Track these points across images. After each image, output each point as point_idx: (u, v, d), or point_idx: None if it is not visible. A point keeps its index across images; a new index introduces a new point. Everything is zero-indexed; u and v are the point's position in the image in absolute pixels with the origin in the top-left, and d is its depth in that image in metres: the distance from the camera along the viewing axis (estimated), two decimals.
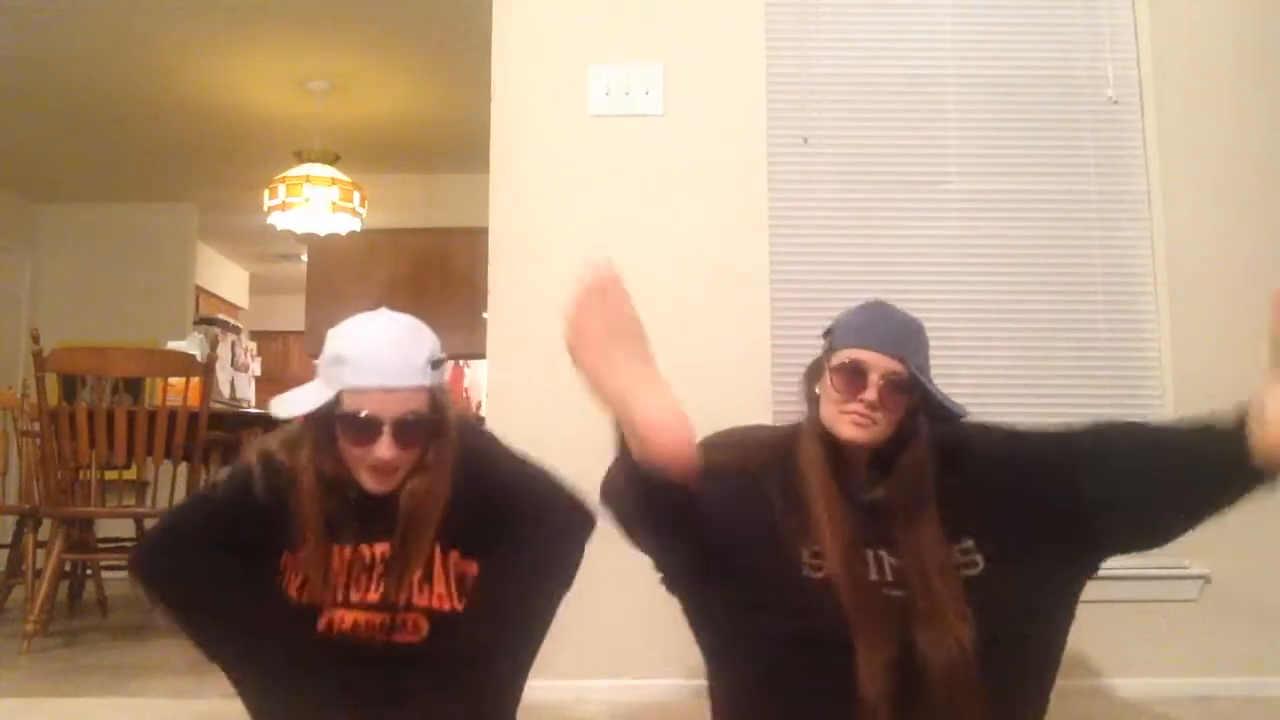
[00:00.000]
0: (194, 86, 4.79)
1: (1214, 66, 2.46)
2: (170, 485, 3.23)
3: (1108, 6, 2.51)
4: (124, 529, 3.93)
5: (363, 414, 1.37)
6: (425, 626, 1.43)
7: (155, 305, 6.34)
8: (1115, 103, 2.47)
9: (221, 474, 1.54)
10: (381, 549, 1.45)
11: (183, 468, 3.32)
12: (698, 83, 2.45)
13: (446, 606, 1.44)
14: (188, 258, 6.71)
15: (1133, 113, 2.48)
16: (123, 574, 4.39)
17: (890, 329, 1.44)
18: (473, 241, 4.16)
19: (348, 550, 1.44)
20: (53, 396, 3.22)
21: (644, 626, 2.19)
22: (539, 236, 2.39)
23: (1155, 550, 1.41)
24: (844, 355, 1.43)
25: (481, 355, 2.93)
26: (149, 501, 3.44)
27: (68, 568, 3.78)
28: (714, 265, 2.38)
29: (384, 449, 1.37)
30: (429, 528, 1.43)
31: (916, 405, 1.42)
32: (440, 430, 1.44)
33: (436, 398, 1.43)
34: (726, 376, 2.33)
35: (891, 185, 2.45)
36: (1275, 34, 2.47)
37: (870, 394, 1.39)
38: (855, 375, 1.40)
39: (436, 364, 1.43)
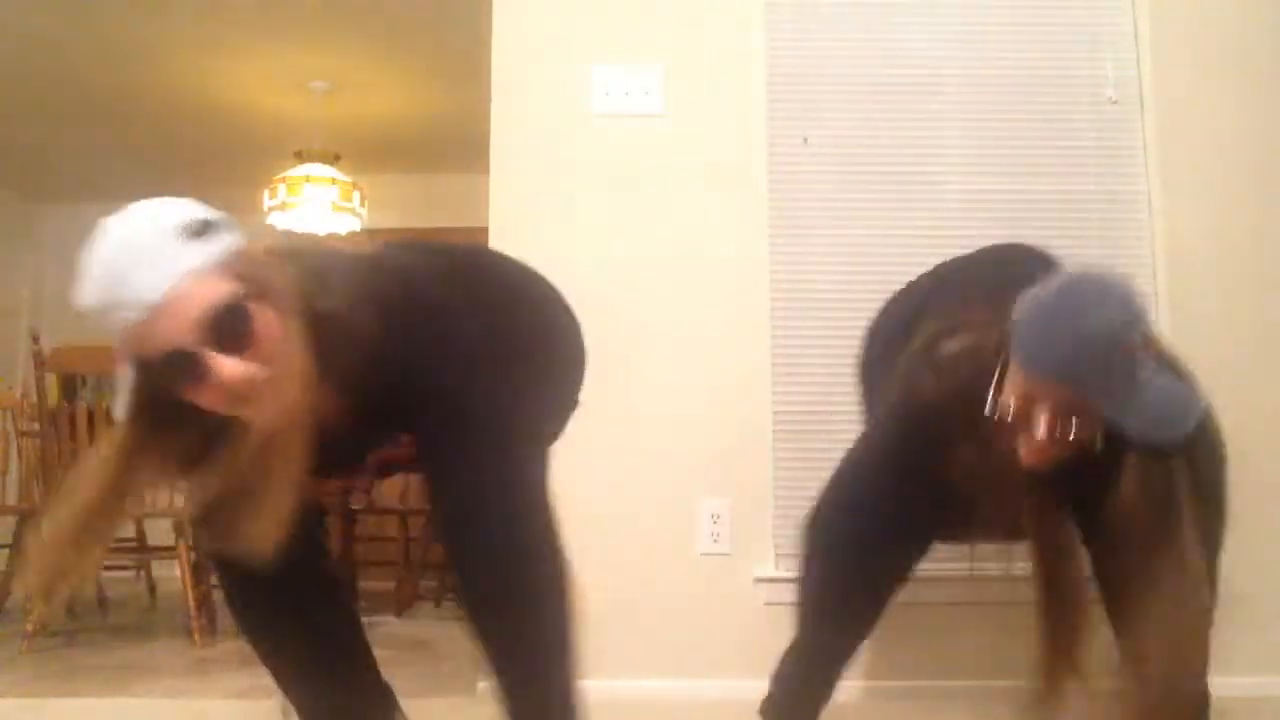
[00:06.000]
0: (194, 86, 4.79)
1: (1214, 66, 2.46)
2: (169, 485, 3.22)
3: (1108, 7, 2.51)
4: (124, 529, 3.92)
5: None
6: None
7: None
8: (1115, 103, 2.47)
9: None
10: None
11: None
12: (698, 83, 2.45)
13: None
14: None
15: (1133, 113, 2.47)
16: (123, 574, 4.39)
17: (1072, 350, 1.20)
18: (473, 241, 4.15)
19: None
20: (53, 396, 3.21)
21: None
22: (539, 236, 2.39)
23: None
24: (1016, 378, 1.25)
25: None
26: (148, 502, 3.43)
27: None
28: (714, 265, 2.38)
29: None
30: None
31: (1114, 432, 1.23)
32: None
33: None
34: (726, 376, 2.33)
35: (891, 185, 2.45)
36: (1275, 34, 2.47)
37: (1041, 431, 1.22)
38: (1023, 406, 1.24)
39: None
